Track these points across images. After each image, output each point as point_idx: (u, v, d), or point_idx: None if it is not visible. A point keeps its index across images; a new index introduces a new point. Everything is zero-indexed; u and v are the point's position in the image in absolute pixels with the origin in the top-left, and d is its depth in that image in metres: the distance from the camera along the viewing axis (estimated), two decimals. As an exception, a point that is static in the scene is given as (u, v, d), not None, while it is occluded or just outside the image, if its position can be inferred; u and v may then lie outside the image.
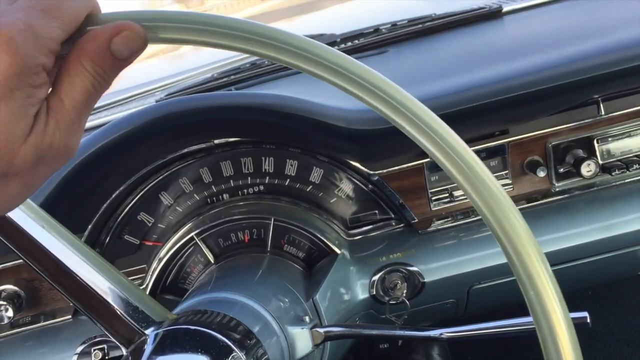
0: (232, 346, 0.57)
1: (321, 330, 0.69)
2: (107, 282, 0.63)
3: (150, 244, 0.97)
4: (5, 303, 0.86)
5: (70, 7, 0.39)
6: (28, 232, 0.61)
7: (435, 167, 0.91)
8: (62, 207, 0.87)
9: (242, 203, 0.96)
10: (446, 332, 0.65)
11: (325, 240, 0.88)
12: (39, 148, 0.37)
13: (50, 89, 0.39)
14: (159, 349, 0.59)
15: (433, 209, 0.93)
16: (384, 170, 0.88)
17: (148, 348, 0.59)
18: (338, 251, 0.88)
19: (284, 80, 1.17)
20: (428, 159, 0.90)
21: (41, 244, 0.61)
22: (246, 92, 0.81)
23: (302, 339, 0.68)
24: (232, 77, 1.15)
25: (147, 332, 0.62)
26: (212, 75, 1.20)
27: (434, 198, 0.93)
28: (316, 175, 0.95)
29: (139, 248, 0.97)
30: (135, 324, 0.63)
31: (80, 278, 0.62)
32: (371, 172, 0.89)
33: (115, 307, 0.63)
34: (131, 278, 0.97)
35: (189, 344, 0.58)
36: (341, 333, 0.70)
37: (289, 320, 0.70)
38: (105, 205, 0.90)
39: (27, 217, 0.61)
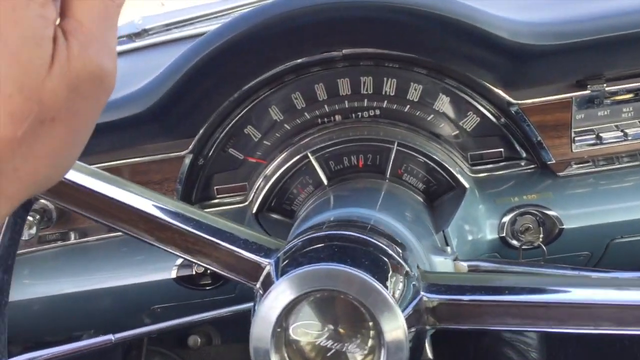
0: (390, 251, 0.50)
1: (464, 263, 0.62)
2: (208, 225, 0.56)
3: (254, 160, 0.91)
4: (32, 218, 0.82)
5: None
6: (104, 193, 0.55)
7: (584, 103, 0.81)
8: (169, 117, 0.82)
9: (357, 126, 0.88)
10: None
11: (453, 173, 0.80)
12: (67, 77, 0.31)
13: (59, 17, 0.32)
14: (292, 261, 0.52)
15: (574, 150, 0.83)
16: (528, 101, 0.79)
17: (279, 266, 0.53)
18: (467, 185, 0.79)
19: None
20: (578, 93, 0.79)
21: (128, 204, 0.56)
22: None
23: (445, 269, 0.61)
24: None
25: (269, 260, 0.55)
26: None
27: (577, 139, 0.83)
28: (441, 102, 0.86)
29: (242, 164, 0.91)
30: (254, 256, 0.56)
31: (179, 228, 0.56)
32: (513, 100, 0.79)
33: (228, 246, 0.56)
34: (230, 195, 0.92)
35: (333, 250, 0.50)
36: (485, 268, 0.62)
37: (429, 248, 0.62)
38: (213, 115, 0.84)
39: (92, 178, 0.55)
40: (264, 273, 0.53)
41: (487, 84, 0.79)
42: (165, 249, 0.57)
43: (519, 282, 0.49)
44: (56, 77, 0.31)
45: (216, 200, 0.92)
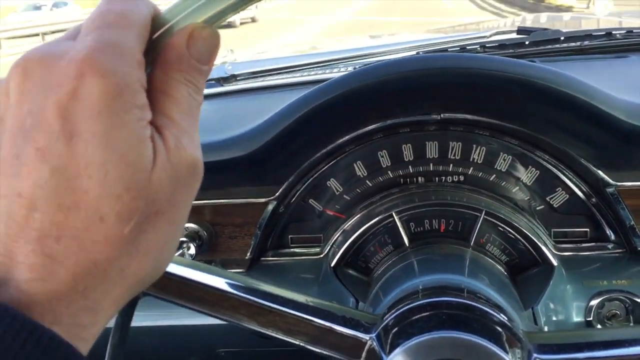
0: (497, 315, 0.49)
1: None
2: (305, 305, 0.57)
3: (332, 213, 0.90)
4: (187, 240, 0.83)
5: (136, 14, 0.34)
6: (206, 283, 0.57)
7: (684, 191, 0.78)
8: (264, 165, 0.83)
9: (440, 190, 0.87)
10: None
11: (541, 248, 0.78)
12: (169, 170, 0.34)
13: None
14: (401, 333, 0.51)
15: (668, 238, 0.80)
16: (627, 183, 0.76)
17: (386, 339, 0.52)
18: (555, 263, 0.77)
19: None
20: (679, 180, 0.77)
21: (228, 292, 0.58)
22: (502, 58, 0.71)
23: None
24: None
25: (370, 335, 0.55)
26: (417, 53, 1.12)
27: (672, 227, 0.80)
28: (530, 175, 0.85)
29: (319, 216, 0.91)
30: (354, 332, 0.55)
31: (279, 310, 0.57)
32: (611, 181, 0.77)
33: (327, 324, 0.56)
34: (304, 245, 0.92)
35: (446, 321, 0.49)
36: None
37: (522, 323, 0.60)
38: (303, 166, 0.84)
39: (192, 270, 0.58)
40: (366, 349, 0.53)
41: (584, 162, 0.77)
42: (268, 332, 0.57)
43: (634, 334, 0.47)
44: (159, 172, 0.33)
45: (290, 250, 0.92)
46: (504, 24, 1.96)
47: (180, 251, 0.83)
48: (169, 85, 0.35)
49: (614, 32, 1.10)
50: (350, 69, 1.21)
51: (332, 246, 0.87)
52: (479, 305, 0.50)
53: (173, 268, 0.56)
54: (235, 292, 0.57)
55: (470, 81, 0.74)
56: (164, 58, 0.36)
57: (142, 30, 0.34)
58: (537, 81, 0.70)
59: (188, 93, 0.36)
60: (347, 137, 0.82)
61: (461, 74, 0.73)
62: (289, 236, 0.92)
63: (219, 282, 0.58)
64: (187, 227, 0.85)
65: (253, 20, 20.23)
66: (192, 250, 0.83)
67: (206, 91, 1.23)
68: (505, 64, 0.71)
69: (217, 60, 1.38)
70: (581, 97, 0.70)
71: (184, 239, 0.83)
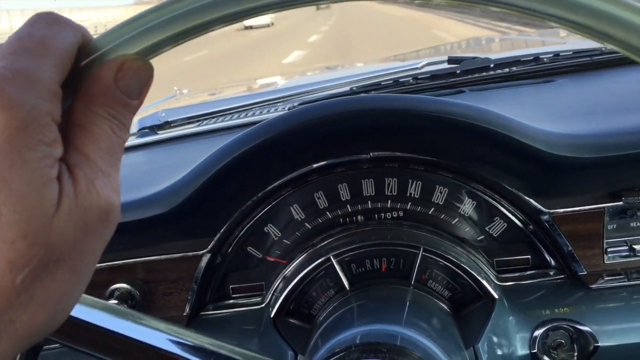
0: None
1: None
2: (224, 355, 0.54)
3: (273, 259, 0.88)
4: (118, 302, 0.79)
5: (57, 40, 0.31)
6: (117, 330, 0.53)
7: (617, 213, 0.79)
8: (190, 218, 0.80)
9: (379, 228, 0.86)
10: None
11: (481, 281, 0.77)
12: (75, 214, 0.30)
13: (63, 148, 0.31)
14: None
15: (606, 262, 0.80)
16: (560, 210, 0.77)
17: None
18: (496, 296, 0.76)
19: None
20: (611, 204, 0.77)
21: (148, 344, 0.53)
22: (426, 97, 0.71)
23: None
24: (372, 92, 1.07)
25: None
26: (351, 89, 1.12)
27: (609, 250, 0.80)
28: (467, 206, 0.84)
29: (260, 263, 0.88)
30: None
31: None
32: (544, 209, 0.77)
33: None
34: (246, 294, 0.89)
35: None
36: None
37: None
38: (235, 214, 0.82)
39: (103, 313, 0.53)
40: None
41: (517, 192, 0.77)
42: None
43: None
44: (64, 216, 0.29)
45: (231, 301, 0.89)
46: (437, 51, 2.00)
47: (111, 314, 0.79)
48: (89, 120, 0.32)
49: (541, 57, 1.13)
50: (286, 107, 1.20)
51: (273, 294, 0.85)
52: None
53: (83, 312, 0.51)
54: (150, 342, 0.53)
55: (392, 121, 0.73)
56: (87, 90, 0.33)
57: (62, 58, 0.31)
58: (456, 118, 0.70)
59: (110, 129, 0.32)
60: (279, 182, 0.80)
61: (382, 114, 0.73)
62: (230, 286, 0.89)
63: (136, 331, 0.53)
64: (119, 288, 0.82)
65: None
66: None
67: (139, 140, 1.20)
68: (424, 102, 0.72)
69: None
70: (502, 131, 0.70)
71: (115, 301, 0.79)
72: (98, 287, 0.82)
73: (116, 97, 0.33)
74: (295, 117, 0.76)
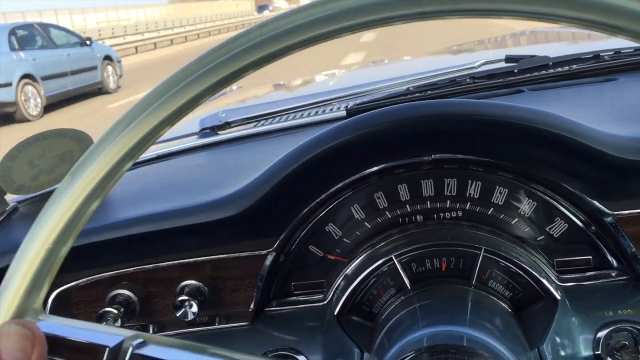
0: None
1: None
2: None
3: (333, 258, 0.90)
4: (189, 298, 0.82)
5: None
6: None
7: (682, 215, 0.78)
8: (260, 219, 0.83)
9: (439, 228, 0.87)
10: None
11: (543, 281, 0.77)
12: None
13: None
14: None
15: (670, 264, 0.80)
16: (624, 212, 0.76)
17: None
18: (558, 296, 0.76)
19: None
20: (677, 205, 0.77)
21: None
22: (488, 101, 0.72)
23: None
24: (429, 92, 1.08)
25: None
26: (408, 89, 1.13)
27: (674, 251, 0.79)
28: (527, 207, 0.85)
29: (321, 261, 0.91)
30: None
31: None
32: (608, 211, 0.77)
33: None
34: (308, 291, 0.91)
35: None
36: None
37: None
38: (299, 215, 0.85)
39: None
40: None
41: (580, 194, 0.77)
42: None
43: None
44: None
45: (293, 298, 0.91)
46: (493, 51, 1.96)
47: (183, 310, 0.82)
48: None
49: (601, 55, 1.11)
50: (342, 107, 1.22)
51: (335, 292, 0.87)
52: None
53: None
54: None
55: (456, 127, 0.74)
56: None
57: None
58: (524, 123, 0.70)
59: None
60: (340, 185, 0.83)
61: (446, 119, 0.74)
62: (292, 283, 0.92)
63: None
64: (188, 285, 0.85)
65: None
66: (195, 308, 0.83)
67: (202, 141, 1.24)
68: (490, 107, 0.72)
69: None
70: (569, 136, 0.70)
71: (185, 297, 0.83)
72: (169, 284, 0.87)
73: None
74: (361, 124, 0.78)
